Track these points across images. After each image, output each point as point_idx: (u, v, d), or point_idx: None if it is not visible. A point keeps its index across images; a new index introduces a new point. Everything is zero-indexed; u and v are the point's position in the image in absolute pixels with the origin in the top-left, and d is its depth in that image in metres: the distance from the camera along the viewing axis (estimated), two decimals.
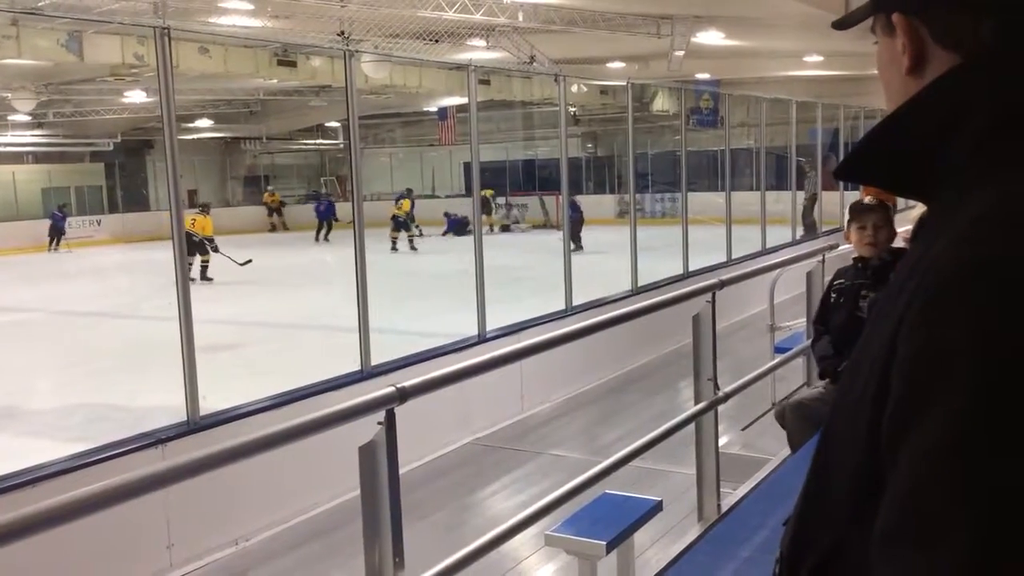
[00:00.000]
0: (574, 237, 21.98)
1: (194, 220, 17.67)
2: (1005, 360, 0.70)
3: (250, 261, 17.46)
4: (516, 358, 2.85)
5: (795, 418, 4.26)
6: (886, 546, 0.73)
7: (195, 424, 5.07)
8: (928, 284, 0.78)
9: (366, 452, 2.20)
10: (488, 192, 27.22)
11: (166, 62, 4.96)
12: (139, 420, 6.04)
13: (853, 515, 0.82)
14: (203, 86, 20.03)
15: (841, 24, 1.04)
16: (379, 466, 2.19)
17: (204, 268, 17.33)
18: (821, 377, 4.39)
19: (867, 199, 4.19)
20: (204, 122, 27.55)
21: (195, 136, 28.74)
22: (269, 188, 32.03)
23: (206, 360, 6.13)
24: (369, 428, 2.28)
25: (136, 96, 20.86)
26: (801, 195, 15.52)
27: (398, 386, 2.21)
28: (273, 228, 30.14)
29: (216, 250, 17.62)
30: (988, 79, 0.83)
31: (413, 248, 21.97)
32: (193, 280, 17.01)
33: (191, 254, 17.12)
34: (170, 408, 5.46)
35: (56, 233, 24.92)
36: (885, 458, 0.77)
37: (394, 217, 22.15)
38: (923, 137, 0.87)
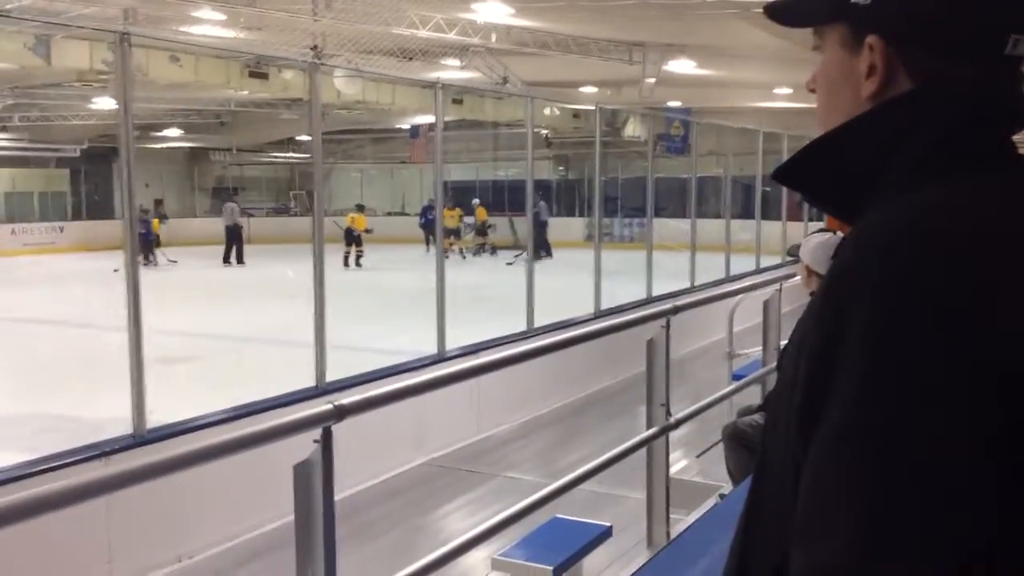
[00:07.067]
0: (542, 245, 21.93)
1: (353, 218, 21.68)
2: (881, 362, 0.71)
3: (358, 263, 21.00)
4: (463, 377, 2.80)
5: (732, 445, 4.25)
6: (794, 542, 0.75)
7: (141, 437, 4.96)
8: (821, 291, 0.80)
9: (301, 471, 2.14)
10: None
11: (125, 68, 4.90)
12: (90, 432, 5.90)
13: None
14: (173, 95, 19.83)
15: (781, 15, 0.96)
16: (314, 485, 2.14)
17: (359, 256, 21.30)
18: (762, 408, 4.38)
19: (821, 229, 4.19)
20: (173, 131, 27.25)
21: (163, 145, 28.40)
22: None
23: (162, 372, 6.02)
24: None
25: (104, 103, 20.60)
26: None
27: (336, 403, 2.16)
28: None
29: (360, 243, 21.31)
30: (938, 106, 0.84)
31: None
32: (348, 267, 20.74)
33: (348, 245, 21.30)
34: (124, 420, 5.35)
35: None
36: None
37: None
38: (866, 154, 0.86)
